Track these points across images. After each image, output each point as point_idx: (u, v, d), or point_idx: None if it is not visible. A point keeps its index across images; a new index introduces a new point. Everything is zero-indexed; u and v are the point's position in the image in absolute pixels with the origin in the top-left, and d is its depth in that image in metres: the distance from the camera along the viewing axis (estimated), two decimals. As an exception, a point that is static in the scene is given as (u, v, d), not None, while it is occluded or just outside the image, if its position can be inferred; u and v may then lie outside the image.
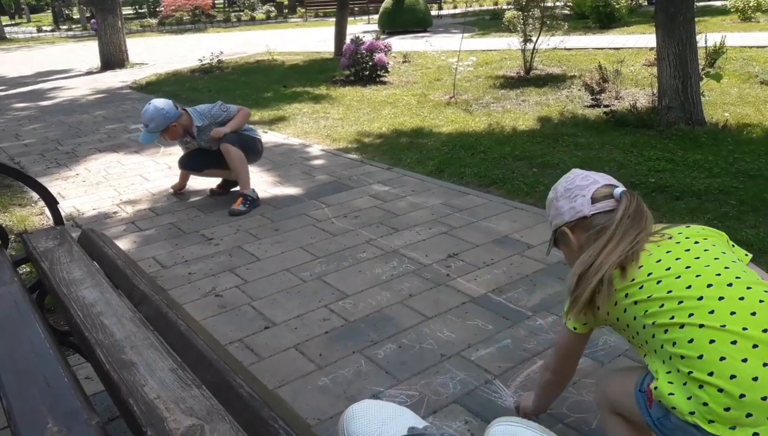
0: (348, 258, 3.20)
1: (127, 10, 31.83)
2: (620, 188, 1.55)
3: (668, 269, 1.35)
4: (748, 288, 1.28)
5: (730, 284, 1.29)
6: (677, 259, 1.37)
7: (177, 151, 5.58)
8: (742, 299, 1.26)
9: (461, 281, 2.90)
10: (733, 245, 1.49)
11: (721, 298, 1.27)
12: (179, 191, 4.38)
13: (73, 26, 28.62)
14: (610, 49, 9.97)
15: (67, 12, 33.87)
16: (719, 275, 1.31)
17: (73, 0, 34.52)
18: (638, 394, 1.38)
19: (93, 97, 9.17)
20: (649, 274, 1.37)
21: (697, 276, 1.31)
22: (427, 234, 3.45)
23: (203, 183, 4.61)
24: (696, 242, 1.41)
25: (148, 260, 3.29)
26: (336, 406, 2.07)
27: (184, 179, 4.39)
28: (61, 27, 28.95)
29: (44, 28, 28.76)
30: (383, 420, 1.11)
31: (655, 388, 1.28)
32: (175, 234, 3.64)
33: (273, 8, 29.02)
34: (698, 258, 1.36)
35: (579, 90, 7.11)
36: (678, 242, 1.41)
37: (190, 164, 4.23)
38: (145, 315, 1.71)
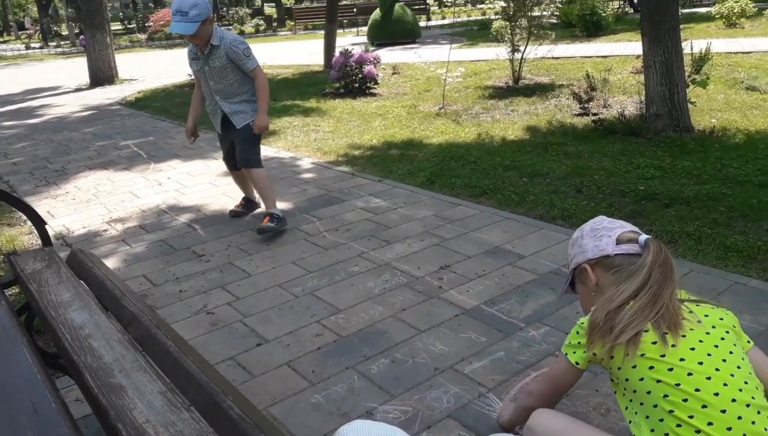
0: (340, 272, 3.19)
1: (115, 26, 31.83)
2: (645, 236, 1.59)
3: (701, 363, 1.37)
4: (759, 413, 1.32)
5: (748, 405, 1.32)
6: (709, 354, 1.39)
7: (167, 168, 5.59)
8: (753, 423, 1.31)
9: (454, 293, 2.89)
10: (738, 335, 1.51)
11: (739, 417, 1.30)
12: (193, 134, 3.98)
13: (62, 43, 28.59)
14: (597, 57, 10.05)
15: (55, 29, 33.84)
16: (741, 390, 1.34)
17: (62, 16, 34.50)
18: None
19: (82, 114, 9.14)
20: (681, 360, 1.38)
21: (725, 385, 1.34)
22: (419, 246, 3.44)
23: (195, 199, 4.59)
24: (722, 338, 1.43)
25: (139, 278, 3.27)
26: (329, 423, 2.06)
27: (195, 117, 3.97)
28: (49, 44, 28.92)
29: (32, 45, 28.71)
30: (375, 441, 1.10)
31: None
32: (166, 251, 3.62)
33: (262, 21, 29.14)
34: (725, 361, 1.38)
35: (567, 99, 7.16)
36: (708, 333, 1.43)
37: (229, 162, 4.02)
38: (134, 336, 1.70)
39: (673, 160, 4.61)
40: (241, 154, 3.76)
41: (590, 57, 10.11)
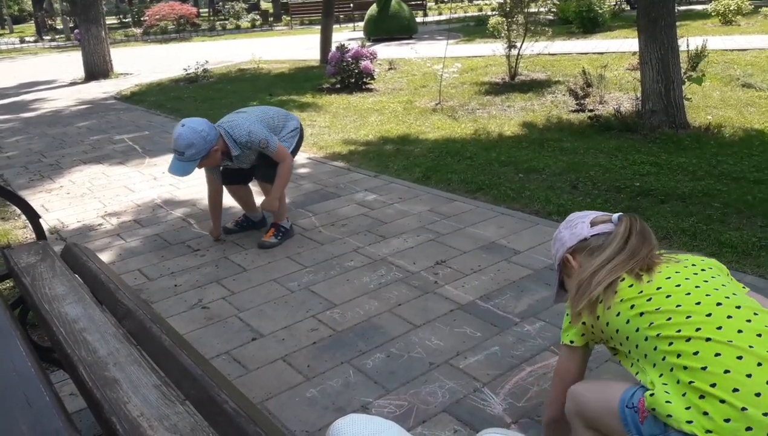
0: (335, 267, 3.18)
1: (110, 20, 31.66)
2: (618, 214, 1.64)
3: (678, 285, 1.40)
4: (755, 314, 1.32)
5: (738, 307, 1.33)
6: (687, 278, 1.42)
7: (162, 163, 5.56)
8: (749, 320, 1.30)
9: (449, 288, 2.89)
10: (731, 279, 1.52)
11: (729, 316, 1.30)
12: (219, 236, 3.62)
13: (57, 37, 28.44)
14: (593, 53, 10.05)
15: (50, 22, 33.64)
16: (728, 297, 1.36)
17: (56, 10, 34.32)
18: (626, 411, 1.35)
19: (77, 109, 9.10)
20: (659, 288, 1.41)
21: (707, 295, 1.36)
22: (415, 241, 3.44)
23: (190, 194, 4.58)
24: (703, 270, 1.47)
25: (134, 273, 3.26)
26: (324, 418, 2.06)
27: (219, 219, 3.63)
28: (44, 38, 28.76)
29: (27, 39, 28.55)
30: (369, 435, 1.10)
31: (651, 395, 1.29)
32: (161, 246, 3.61)
33: (258, 16, 29.03)
34: (707, 282, 1.41)
35: (563, 95, 7.16)
36: (686, 267, 1.47)
37: (235, 179, 3.62)
38: (128, 330, 1.69)
39: (668, 157, 4.62)
40: (264, 172, 3.48)
41: (587, 53, 10.12)
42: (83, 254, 2.22)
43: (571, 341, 1.59)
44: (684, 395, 1.24)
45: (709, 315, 1.31)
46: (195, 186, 4.75)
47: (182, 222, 3.98)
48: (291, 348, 2.47)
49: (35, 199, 4.62)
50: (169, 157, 5.69)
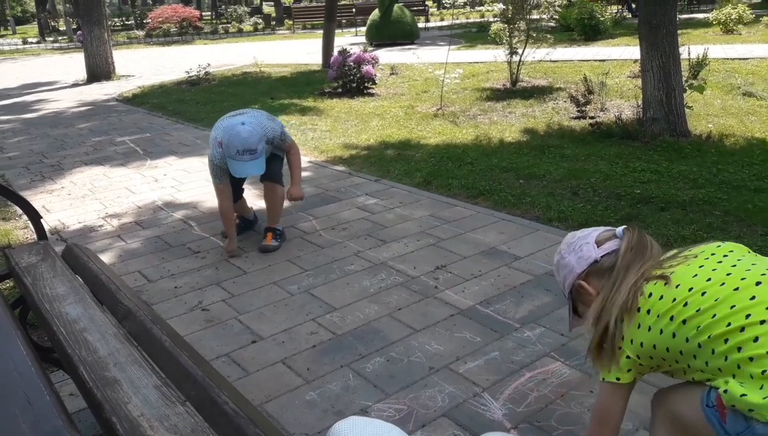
0: (336, 271, 3.19)
1: (113, 22, 31.74)
2: (621, 228, 1.55)
3: (708, 279, 1.33)
4: None
5: None
6: (713, 269, 1.35)
7: (163, 165, 5.57)
8: None
9: (449, 293, 2.89)
10: (756, 256, 1.46)
11: None
12: (235, 251, 3.48)
13: (59, 38, 28.50)
14: (595, 61, 10.08)
15: (53, 24, 33.71)
16: (764, 274, 1.30)
17: (59, 12, 34.40)
18: (707, 411, 1.29)
19: (79, 110, 9.12)
20: (690, 289, 1.34)
21: (742, 279, 1.30)
22: (415, 246, 3.44)
23: (191, 196, 4.59)
24: (725, 255, 1.40)
25: (134, 274, 3.26)
26: (324, 421, 2.06)
27: (234, 231, 3.55)
28: (46, 39, 28.81)
29: (30, 40, 28.61)
30: (370, 437, 1.10)
31: (725, 391, 1.23)
32: (162, 247, 3.61)
33: (260, 20, 29.09)
34: (734, 266, 1.35)
35: (565, 102, 7.17)
36: (707, 258, 1.40)
37: (235, 196, 3.59)
38: (129, 331, 1.69)
39: (669, 164, 4.63)
40: (273, 170, 3.52)
41: (588, 60, 10.14)
42: (84, 255, 2.22)
43: (618, 379, 1.46)
44: (761, 387, 1.18)
45: (753, 298, 1.25)
46: (195, 188, 4.75)
47: (183, 224, 3.99)
48: (291, 351, 2.47)
49: (36, 199, 4.62)
50: (170, 159, 5.74)
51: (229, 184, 3.43)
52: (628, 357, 1.43)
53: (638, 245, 1.48)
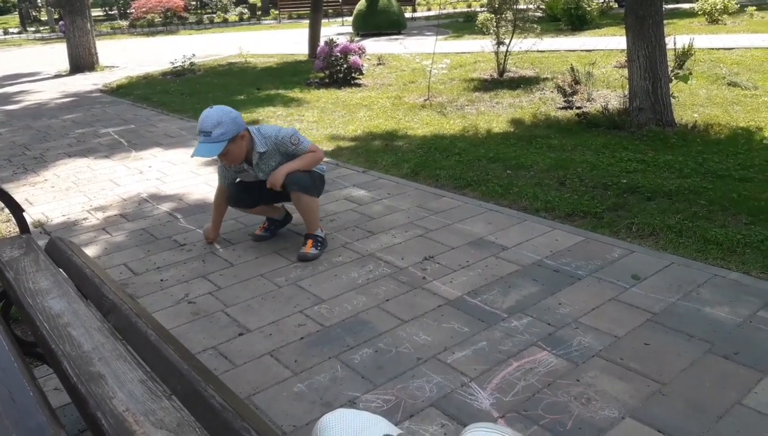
0: (323, 262, 3.17)
1: (96, 12, 31.31)
2: None
3: None
4: None
5: None
6: None
7: (148, 157, 5.52)
8: None
9: (437, 283, 2.90)
10: None
11: None
12: (214, 240, 3.48)
13: (41, 28, 28.07)
14: (581, 51, 10.09)
15: (34, 14, 33.21)
16: None
17: (41, 1, 33.87)
18: None
19: (62, 101, 8.99)
20: None
21: None
22: (403, 237, 3.44)
23: (176, 188, 4.55)
24: None
25: (119, 267, 3.23)
26: (312, 412, 2.05)
27: (219, 223, 3.50)
28: (28, 29, 28.38)
29: (11, 30, 28.16)
30: (357, 429, 1.09)
31: None
32: (147, 240, 3.58)
33: (246, 10, 28.82)
34: None
35: (552, 92, 7.18)
36: None
37: (244, 202, 3.40)
38: (114, 325, 1.67)
39: (655, 154, 4.65)
40: (295, 178, 3.18)
41: (575, 51, 10.15)
42: (68, 248, 2.20)
43: None
44: None
45: None
46: (181, 180, 4.71)
47: (168, 217, 3.95)
48: (278, 343, 2.46)
49: (19, 192, 4.56)
50: (155, 151, 5.68)
51: (231, 186, 3.36)
52: None
53: None
